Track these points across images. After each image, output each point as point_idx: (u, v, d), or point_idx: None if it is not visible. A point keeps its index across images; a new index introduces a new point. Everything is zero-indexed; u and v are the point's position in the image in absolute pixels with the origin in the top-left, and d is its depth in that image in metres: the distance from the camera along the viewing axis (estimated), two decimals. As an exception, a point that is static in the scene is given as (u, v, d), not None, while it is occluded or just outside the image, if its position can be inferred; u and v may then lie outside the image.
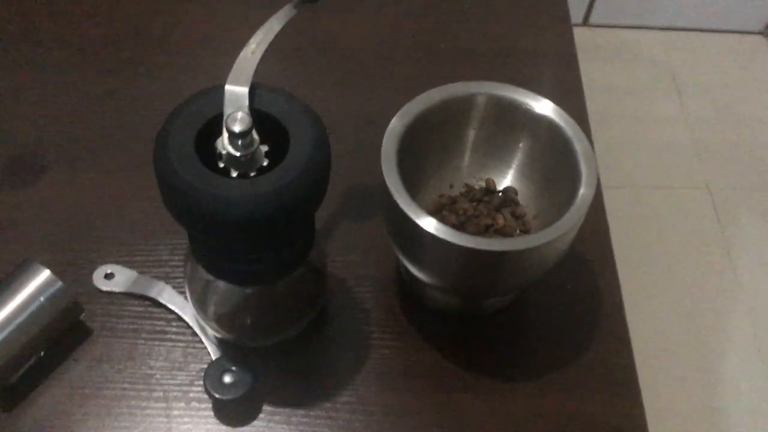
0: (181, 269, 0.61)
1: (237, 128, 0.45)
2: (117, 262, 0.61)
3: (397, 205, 0.51)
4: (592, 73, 1.74)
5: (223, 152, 0.46)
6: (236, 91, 0.47)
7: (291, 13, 0.50)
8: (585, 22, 1.81)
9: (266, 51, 0.48)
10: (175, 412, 0.55)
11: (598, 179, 0.54)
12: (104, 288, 0.60)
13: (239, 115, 0.45)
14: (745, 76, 1.79)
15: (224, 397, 0.53)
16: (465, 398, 0.57)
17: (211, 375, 0.54)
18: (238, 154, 0.46)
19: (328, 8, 0.76)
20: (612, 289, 0.63)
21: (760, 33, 1.86)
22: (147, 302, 0.60)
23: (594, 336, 0.60)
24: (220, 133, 0.46)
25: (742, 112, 1.72)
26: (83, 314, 0.58)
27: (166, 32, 0.79)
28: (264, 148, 0.47)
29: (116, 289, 0.60)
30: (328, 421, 0.55)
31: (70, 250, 0.62)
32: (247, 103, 0.47)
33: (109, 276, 0.61)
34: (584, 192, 0.50)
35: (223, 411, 0.55)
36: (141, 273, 0.61)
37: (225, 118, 0.45)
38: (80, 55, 0.76)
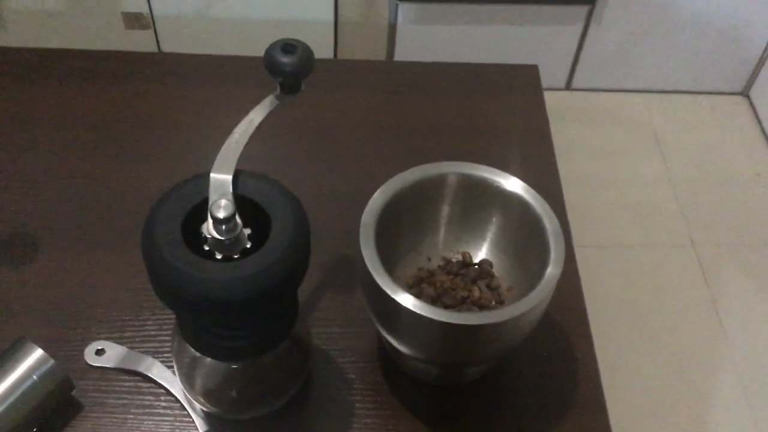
0: (170, 344, 0.63)
1: (221, 215, 0.48)
2: (107, 338, 0.63)
3: (374, 281, 0.54)
4: (575, 135, 1.79)
5: (209, 236, 0.49)
6: (220, 178, 0.50)
7: (273, 104, 0.54)
8: (568, 86, 1.86)
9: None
10: (163, 486, 0.56)
11: (572, 249, 0.56)
12: (95, 363, 0.62)
13: (223, 202, 0.48)
14: (726, 136, 1.84)
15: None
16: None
17: (198, 449, 0.55)
18: (222, 238, 0.49)
19: (307, 90, 0.80)
20: (587, 355, 0.65)
21: (740, 93, 1.91)
22: (136, 377, 0.62)
23: (571, 402, 0.62)
24: (205, 218, 0.49)
25: (725, 171, 1.76)
26: (74, 390, 0.59)
27: (154, 115, 0.82)
28: (247, 231, 0.50)
29: (107, 365, 0.62)
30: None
31: (62, 327, 0.64)
32: (230, 189, 0.50)
33: (99, 352, 0.63)
34: (552, 271, 0.53)
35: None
36: (130, 348, 0.63)
37: (210, 205, 0.48)
38: (69, 136, 0.79)
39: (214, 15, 1.55)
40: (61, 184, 0.75)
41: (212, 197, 0.49)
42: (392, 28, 1.65)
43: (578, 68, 1.82)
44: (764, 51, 1.81)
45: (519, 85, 0.87)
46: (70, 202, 0.73)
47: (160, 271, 0.47)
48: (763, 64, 1.83)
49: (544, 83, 0.87)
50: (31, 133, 0.79)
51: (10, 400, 0.55)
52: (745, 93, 1.90)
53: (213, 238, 0.49)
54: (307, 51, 0.52)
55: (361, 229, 0.56)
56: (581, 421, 0.61)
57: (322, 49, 1.63)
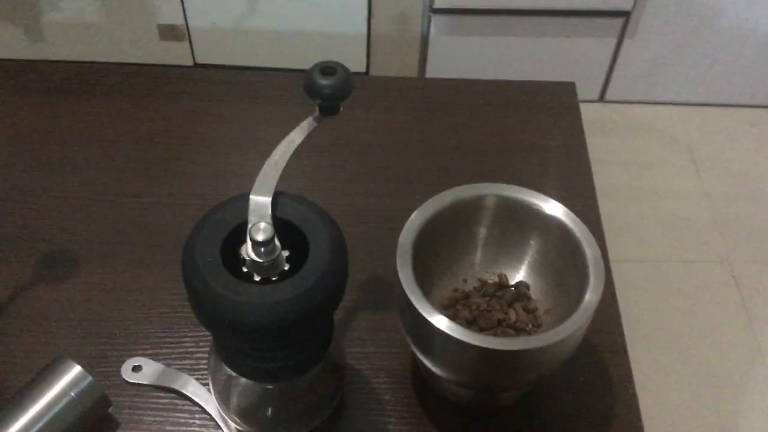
0: (206, 362, 0.63)
1: (260, 237, 0.48)
2: (144, 355, 0.64)
3: (410, 302, 0.54)
4: (608, 148, 1.78)
5: (247, 258, 0.49)
6: (260, 201, 0.50)
7: (312, 126, 0.54)
8: (601, 98, 1.85)
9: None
10: (198, 505, 0.57)
11: (610, 274, 0.55)
12: (132, 380, 0.62)
13: (262, 225, 0.48)
14: (763, 150, 1.81)
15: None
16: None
17: (233, 469, 0.56)
18: (261, 260, 0.49)
19: (346, 110, 0.80)
20: (625, 380, 0.64)
21: (774, 106, 1.88)
22: (172, 394, 0.62)
23: (608, 429, 0.61)
24: (244, 240, 0.49)
25: (760, 185, 1.73)
26: (111, 407, 0.60)
27: (190, 132, 0.83)
28: (285, 253, 0.50)
29: (143, 381, 0.62)
30: None
31: (101, 343, 0.65)
32: (269, 212, 0.50)
33: (136, 368, 0.63)
34: (590, 298, 0.52)
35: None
36: (167, 365, 0.63)
37: (249, 227, 0.48)
38: (110, 154, 0.80)
39: (249, 27, 1.56)
40: (99, 202, 0.76)
41: (251, 219, 0.49)
42: (425, 40, 1.65)
43: (612, 80, 1.80)
44: (803, 64, 1.78)
45: (555, 103, 0.86)
46: (108, 220, 0.74)
47: (199, 294, 0.48)
48: (802, 78, 1.80)
49: (578, 95, 0.86)
50: (67, 150, 0.80)
51: (48, 416, 0.56)
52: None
53: (252, 260, 0.49)
54: (346, 73, 0.52)
55: (398, 251, 0.56)
56: (618, 447, 0.61)
57: (355, 62, 1.63)
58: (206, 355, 0.64)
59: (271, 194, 0.50)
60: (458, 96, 0.88)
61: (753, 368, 1.41)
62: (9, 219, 0.74)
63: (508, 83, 0.89)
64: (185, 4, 1.52)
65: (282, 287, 0.48)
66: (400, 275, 0.55)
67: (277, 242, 0.49)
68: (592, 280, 0.53)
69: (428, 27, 1.63)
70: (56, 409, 0.56)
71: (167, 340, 0.65)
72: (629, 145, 1.80)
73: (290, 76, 0.86)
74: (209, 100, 0.86)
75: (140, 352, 0.64)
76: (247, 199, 0.50)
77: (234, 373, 0.56)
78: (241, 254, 0.49)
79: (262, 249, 0.48)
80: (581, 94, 0.86)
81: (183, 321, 0.66)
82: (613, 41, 1.72)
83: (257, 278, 0.49)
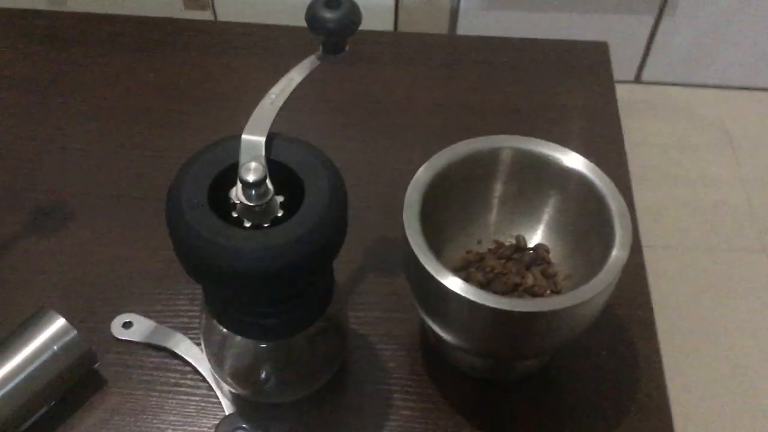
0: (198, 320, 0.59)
1: (251, 178, 0.44)
2: (136, 312, 0.60)
3: (418, 261, 0.49)
4: (644, 130, 1.71)
5: (237, 202, 0.45)
6: (253, 140, 0.46)
7: (313, 65, 0.49)
8: (637, 79, 1.78)
9: (290, 102, 0.47)
10: (185, 471, 0.53)
11: (638, 239, 0.50)
12: (121, 337, 0.59)
13: (253, 164, 0.44)
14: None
15: (233, 458, 0.51)
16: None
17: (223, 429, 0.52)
18: (251, 204, 0.45)
19: (357, 60, 0.76)
20: (651, 355, 0.59)
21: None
22: (163, 353, 0.58)
23: (630, 409, 0.57)
24: (234, 183, 0.45)
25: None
26: (98, 364, 0.56)
27: (197, 84, 0.79)
28: (279, 199, 0.46)
29: (134, 339, 0.59)
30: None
31: (91, 298, 0.61)
32: (263, 152, 0.45)
33: (127, 325, 0.60)
34: (617, 254, 0.47)
35: (234, 470, 0.52)
36: (159, 323, 0.60)
37: (240, 167, 0.44)
38: (113, 105, 0.76)
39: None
40: (99, 153, 0.72)
41: (243, 159, 0.45)
42: (454, 12, 1.60)
43: (649, 60, 1.73)
44: None
45: (586, 64, 0.81)
46: (106, 171, 0.71)
47: (182, 237, 0.44)
48: None
49: (613, 76, 0.81)
50: (68, 98, 0.77)
51: (29, 370, 0.52)
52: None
53: (242, 204, 0.45)
54: (353, 6, 0.47)
55: (405, 206, 0.52)
56: (641, 428, 0.56)
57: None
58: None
59: (265, 134, 0.46)
60: (486, 54, 0.82)
61: (788, 360, 1.35)
62: (4, 168, 0.71)
63: (538, 42, 0.83)
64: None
65: (274, 232, 0.43)
66: (408, 232, 0.51)
67: (269, 185, 0.45)
68: (618, 234, 0.48)
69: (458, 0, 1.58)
70: (36, 363, 0.53)
71: (160, 297, 0.61)
72: (665, 128, 1.73)
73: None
74: (221, 53, 0.82)
75: (132, 308, 0.60)
76: (239, 139, 0.46)
77: (228, 332, 0.53)
78: (230, 198, 0.45)
79: (253, 191, 0.44)
80: (616, 73, 0.81)
81: (178, 278, 0.62)
82: (652, 18, 1.65)
83: (248, 224, 0.45)
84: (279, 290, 0.46)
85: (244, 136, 0.46)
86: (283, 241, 0.43)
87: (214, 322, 0.52)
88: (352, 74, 0.79)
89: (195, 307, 0.61)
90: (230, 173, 0.46)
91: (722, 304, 1.42)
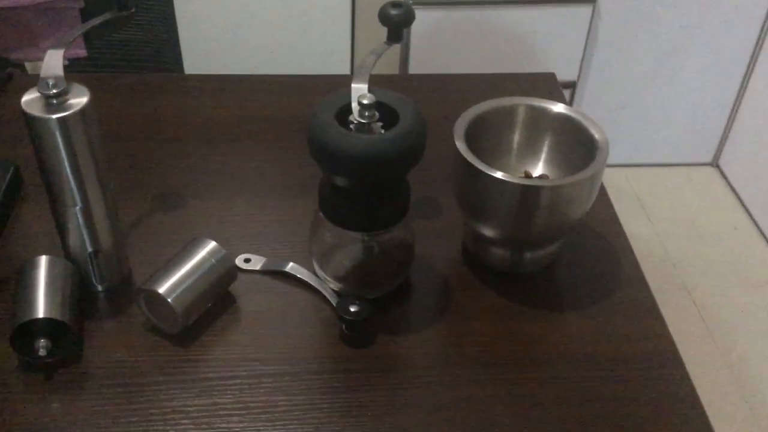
0: (299, 255, 0.80)
1: (366, 101, 0.68)
2: (252, 252, 0.81)
3: (468, 163, 0.73)
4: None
5: (354, 122, 0.69)
6: (359, 86, 0.70)
7: (383, 48, 0.75)
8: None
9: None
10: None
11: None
12: (245, 267, 0.79)
13: (367, 94, 0.68)
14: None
15: (354, 318, 0.71)
16: (514, 325, 0.76)
17: (342, 305, 0.72)
18: (364, 121, 0.68)
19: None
20: (626, 251, 0.83)
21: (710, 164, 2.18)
22: (273, 276, 0.79)
23: (616, 289, 0.80)
24: (350, 113, 0.69)
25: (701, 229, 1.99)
26: (235, 281, 0.76)
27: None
28: (379, 125, 0.70)
29: (255, 268, 0.79)
30: (422, 350, 0.73)
31: (220, 240, 0.81)
32: (367, 92, 0.70)
33: (246, 261, 0.80)
34: (600, 152, 0.74)
35: (353, 330, 0.72)
36: (272, 257, 0.80)
37: (357, 96, 0.68)
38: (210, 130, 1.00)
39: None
40: (202, 155, 0.96)
41: (354, 96, 0.69)
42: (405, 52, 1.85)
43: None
44: None
45: (537, 93, 1.10)
46: (210, 168, 0.94)
47: (320, 138, 0.67)
48: None
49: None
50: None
51: (199, 273, 0.72)
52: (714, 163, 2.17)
53: (358, 122, 0.68)
54: (409, 7, 0.74)
55: (454, 132, 0.76)
56: (628, 294, 0.79)
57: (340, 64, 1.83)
58: (299, 250, 0.81)
59: (367, 83, 0.71)
60: (439, 90, 1.09)
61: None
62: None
63: (488, 76, 1.12)
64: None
65: (380, 135, 0.67)
66: (458, 145, 0.74)
67: (375, 112, 0.69)
68: (598, 140, 0.75)
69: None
70: (202, 270, 0.72)
71: (271, 239, 0.83)
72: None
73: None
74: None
75: (249, 250, 0.81)
76: (349, 88, 0.70)
77: (331, 240, 0.75)
78: (349, 120, 0.69)
79: (366, 112, 0.68)
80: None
81: (279, 227, 0.84)
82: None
83: (361, 138, 0.69)
84: (382, 176, 0.68)
85: (353, 85, 0.70)
86: (386, 137, 0.67)
87: (321, 232, 0.74)
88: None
89: (287, 249, 0.82)
90: (347, 111, 0.69)
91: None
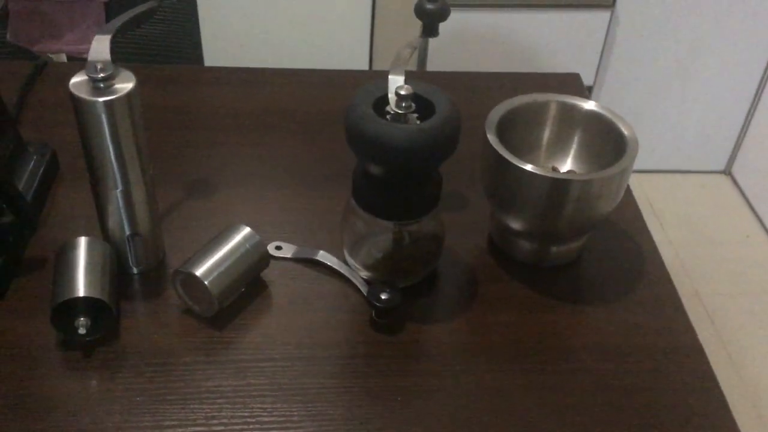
0: (329, 243, 0.82)
1: (403, 92, 0.69)
2: (283, 240, 0.83)
3: (498, 155, 0.74)
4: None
5: (391, 112, 0.70)
6: (396, 78, 0.72)
7: (417, 42, 0.77)
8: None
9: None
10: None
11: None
12: (276, 254, 0.81)
13: (405, 85, 0.70)
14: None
15: (385, 306, 0.72)
16: (539, 317, 0.77)
17: (373, 292, 0.73)
18: (401, 111, 0.70)
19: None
20: (651, 251, 0.85)
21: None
22: (303, 264, 0.81)
23: (638, 283, 0.81)
24: (387, 104, 0.71)
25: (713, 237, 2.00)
26: (267, 267, 0.78)
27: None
28: (415, 116, 0.71)
29: (286, 255, 0.81)
30: (449, 339, 0.75)
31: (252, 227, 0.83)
32: (403, 84, 0.71)
33: (278, 248, 0.82)
34: (630, 149, 0.75)
35: (383, 317, 0.74)
36: (302, 246, 0.82)
37: (394, 87, 0.70)
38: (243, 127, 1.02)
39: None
40: (232, 145, 0.97)
41: (392, 87, 0.71)
42: (423, 50, 1.87)
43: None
44: None
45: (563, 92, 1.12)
46: (240, 157, 0.95)
47: (358, 127, 0.68)
48: None
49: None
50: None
51: (234, 257, 0.74)
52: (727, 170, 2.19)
53: (395, 112, 0.70)
54: (445, 3, 0.75)
55: (486, 126, 0.77)
56: (652, 289, 0.80)
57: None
58: (330, 238, 0.83)
59: (403, 75, 0.72)
60: (463, 87, 1.11)
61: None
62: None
63: (514, 74, 1.14)
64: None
65: (416, 126, 0.69)
66: (489, 138, 0.76)
67: (412, 103, 0.70)
68: (627, 137, 0.76)
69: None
70: (237, 254, 0.74)
71: (302, 227, 0.85)
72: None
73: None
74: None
75: (280, 238, 0.83)
76: (387, 78, 0.72)
77: (363, 229, 0.76)
78: (386, 110, 0.71)
79: (403, 103, 0.70)
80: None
81: (312, 217, 0.86)
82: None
83: (397, 128, 0.70)
84: (417, 166, 0.70)
85: (390, 76, 0.72)
86: (422, 127, 0.68)
87: (353, 220, 0.76)
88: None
89: (317, 238, 0.84)
90: (383, 102, 0.71)
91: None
